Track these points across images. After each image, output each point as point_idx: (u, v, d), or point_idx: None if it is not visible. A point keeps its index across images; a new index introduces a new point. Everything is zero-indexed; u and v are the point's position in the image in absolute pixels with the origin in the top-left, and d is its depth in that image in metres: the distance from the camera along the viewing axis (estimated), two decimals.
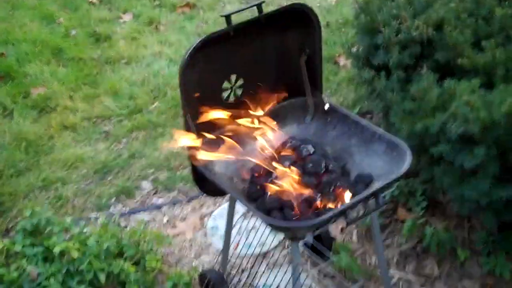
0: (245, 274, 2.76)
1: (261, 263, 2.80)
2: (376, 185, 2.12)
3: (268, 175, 2.23)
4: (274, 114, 2.46)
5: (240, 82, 2.35)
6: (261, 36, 2.33)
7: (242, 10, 2.32)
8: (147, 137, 3.68)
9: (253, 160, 2.26)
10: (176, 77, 4.05)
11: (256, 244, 2.84)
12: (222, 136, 2.26)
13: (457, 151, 2.27)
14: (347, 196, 2.12)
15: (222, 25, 2.20)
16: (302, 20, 2.33)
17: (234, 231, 2.77)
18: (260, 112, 2.33)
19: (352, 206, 2.03)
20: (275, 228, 2.13)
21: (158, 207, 3.19)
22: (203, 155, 2.18)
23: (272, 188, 2.14)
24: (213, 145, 2.31)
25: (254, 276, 2.73)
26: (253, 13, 2.29)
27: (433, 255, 2.75)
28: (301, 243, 2.72)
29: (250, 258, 2.85)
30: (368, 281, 2.69)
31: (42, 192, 3.31)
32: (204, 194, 2.80)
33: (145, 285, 2.63)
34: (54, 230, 2.65)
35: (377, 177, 2.19)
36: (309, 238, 2.74)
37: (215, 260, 2.86)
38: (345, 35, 4.47)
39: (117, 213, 3.03)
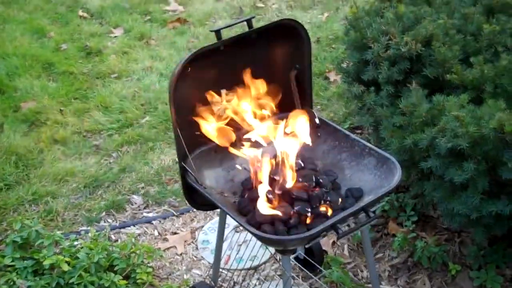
0: (236, 287, 2.75)
1: (252, 276, 2.80)
2: (366, 199, 2.14)
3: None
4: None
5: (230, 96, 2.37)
6: (251, 51, 2.34)
7: (232, 25, 2.34)
8: (137, 151, 3.68)
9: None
10: (167, 91, 4.11)
11: (247, 258, 2.84)
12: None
13: (446, 166, 2.29)
14: (338, 210, 2.13)
15: (213, 40, 2.23)
16: (292, 36, 2.35)
17: (225, 245, 2.78)
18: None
19: (342, 220, 2.04)
20: (266, 242, 2.14)
21: (149, 221, 3.19)
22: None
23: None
24: (206, 155, 2.33)
25: None
26: (244, 28, 2.31)
27: (424, 268, 2.76)
28: (292, 256, 2.72)
29: (241, 271, 2.85)
30: None
31: (32, 205, 3.30)
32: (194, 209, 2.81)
33: None
34: (44, 243, 2.64)
35: (367, 191, 2.21)
36: (300, 252, 2.74)
37: (206, 274, 2.85)
38: (335, 51, 4.51)
39: (108, 227, 3.02)
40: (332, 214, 2.12)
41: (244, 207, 2.21)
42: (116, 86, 4.28)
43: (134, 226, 3.17)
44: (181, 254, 2.99)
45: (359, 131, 3.59)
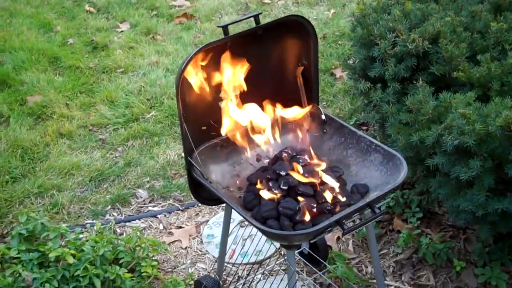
0: (241, 282, 2.76)
1: (257, 271, 2.81)
2: (372, 195, 2.14)
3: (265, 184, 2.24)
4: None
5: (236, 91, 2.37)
6: (258, 47, 2.35)
7: (239, 20, 2.34)
8: (143, 146, 3.69)
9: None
10: (173, 86, 4.13)
11: (252, 252, 2.85)
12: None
13: (452, 163, 2.30)
14: (343, 206, 2.14)
15: (219, 35, 2.22)
16: (299, 32, 2.36)
17: (230, 239, 2.78)
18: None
19: (348, 216, 2.05)
20: (271, 236, 2.15)
21: (154, 215, 3.20)
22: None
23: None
24: (212, 150, 2.34)
25: (250, 284, 2.74)
26: (250, 24, 2.31)
27: (429, 265, 2.77)
28: (297, 251, 2.73)
29: (246, 266, 2.86)
30: None
31: (38, 198, 3.31)
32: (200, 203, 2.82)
33: None
34: (49, 236, 2.66)
35: (373, 187, 2.22)
36: (305, 247, 2.75)
37: (211, 268, 2.87)
38: (341, 47, 4.51)
39: (113, 220, 3.04)
40: (337, 209, 2.13)
41: (249, 202, 2.22)
42: (122, 80, 4.29)
43: (139, 219, 3.18)
44: (186, 248, 3.00)
45: (364, 128, 3.59)
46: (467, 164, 2.24)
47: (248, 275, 2.79)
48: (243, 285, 2.74)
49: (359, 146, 2.34)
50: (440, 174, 2.44)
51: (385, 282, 2.72)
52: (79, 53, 4.66)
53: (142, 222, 3.17)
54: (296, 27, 2.34)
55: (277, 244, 2.85)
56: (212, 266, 2.88)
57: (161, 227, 3.14)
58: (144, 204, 3.30)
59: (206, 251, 2.98)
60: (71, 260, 2.53)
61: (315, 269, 2.69)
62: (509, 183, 2.27)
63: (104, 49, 4.73)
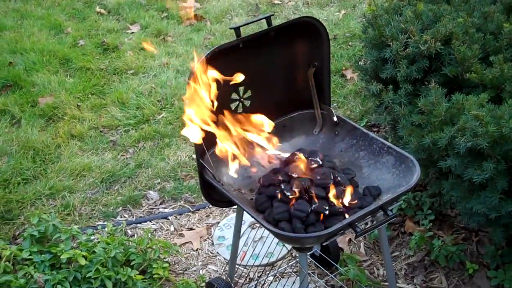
0: (253, 284, 2.76)
1: (268, 273, 2.80)
2: (384, 198, 2.13)
3: (276, 186, 2.24)
4: (282, 126, 2.48)
5: (248, 94, 2.37)
6: (269, 49, 2.35)
7: (251, 22, 2.34)
8: (154, 147, 3.69)
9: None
10: (183, 88, 4.13)
11: (264, 255, 2.85)
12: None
13: (465, 165, 2.28)
14: (356, 208, 2.13)
15: (229, 37, 2.23)
16: (311, 33, 2.35)
17: (241, 241, 2.78)
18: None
19: (360, 218, 2.04)
20: (284, 239, 2.14)
21: (165, 217, 3.20)
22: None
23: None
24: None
25: (262, 286, 2.73)
26: (261, 25, 2.31)
27: (441, 267, 2.75)
28: (308, 254, 2.72)
29: (257, 268, 2.85)
30: None
31: (49, 200, 3.32)
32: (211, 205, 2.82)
33: None
34: (61, 238, 2.67)
35: (386, 190, 2.21)
36: (316, 249, 2.74)
37: (222, 270, 2.86)
38: (352, 48, 4.49)
39: (124, 222, 3.04)
40: (350, 212, 2.12)
41: (261, 204, 2.21)
42: (133, 82, 4.30)
43: (150, 221, 3.19)
44: (197, 250, 3.00)
45: (375, 129, 3.58)
46: (480, 166, 2.23)
47: (259, 277, 2.79)
48: (255, 287, 2.74)
49: (371, 148, 2.33)
50: (453, 176, 2.42)
51: (397, 284, 2.71)
52: (90, 55, 4.67)
53: (153, 224, 3.17)
54: (308, 29, 2.33)
55: (289, 246, 2.85)
56: (223, 268, 2.88)
57: (172, 228, 3.14)
58: (155, 205, 3.30)
59: (217, 253, 2.98)
60: (82, 261, 2.54)
61: (326, 271, 2.69)
62: None
63: (114, 50, 4.74)
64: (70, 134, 3.81)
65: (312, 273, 2.78)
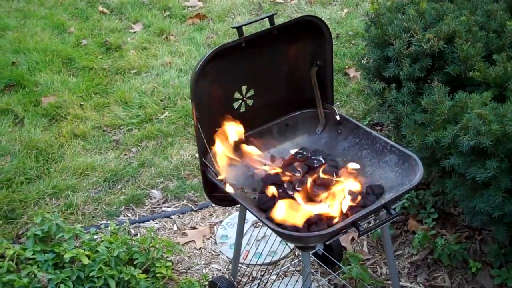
0: (256, 282, 2.76)
1: (271, 272, 2.80)
2: (387, 197, 2.13)
3: (279, 185, 2.24)
4: (285, 125, 2.48)
5: (250, 93, 2.37)
6: (272, 48, 2.35)
7: (254, 21, 2.34)
8: (156, 146, 3.70)
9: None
10: (186, 87, 4.13)
11: (267, 253, 2.85)
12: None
13: (468, 164, 2.28)
14: (358, 207, 2.12)
15: (232, 36, 2.23)
16: (313, 32, 2.35)
17: (244, 240, 2.78)
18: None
19: (363, 217, 2.04)
20: (286, 238, 2.14)
21: (168, 216, 3.21)
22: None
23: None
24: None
25: (265, 285, 2.73)
26: (263, 24, 2.31)
27: (444, 266, 2.75)
28: (311, 252, 2.72)
29: (260, 267, 2.85)
30: None
31: (53, 199, 3.33)
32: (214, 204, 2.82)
33: None
34: (64, 237, 2.67)
35: (388, 188, 2.21)
36: (319, 248, 2.74)
37: (225, 269, 2.87)
38: (355, 47, 4.49)
39: (127, 221, 3.04)
40: (353, 211, 2.12)
41: (264, 203, 2.21)
42: (136, 81, 4.30)
43: (153, 220, 3.19)
44: (200, 249, 3.00)
45: (378, 128, 3.57)
46: (484, 165, 2.22)
47: (262, 276, 2.79)
48: (258, 286, 2.74)
49: (374, 147, 2.33)
50: (456, 175, 2.42)
51: (400, 283, 2.70)
52: (93, 54, 4.68)
53: (156, 223, 3.17)
54: (310, 28, 2.33)
55: (292, 245, 2.85)
56: (226, 267, 2.88)
57: (175, 227, 3.14)
58: (158, 204, 3.30)
59: (220, 251, 2.98)
60: (86, 261, 2.54)
61: (329, 270, 2.69)
62: None
63: (117, 50, 4.74)
64: (73, 134, 3.81)
65: (315, 271, 2.78)
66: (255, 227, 3.06)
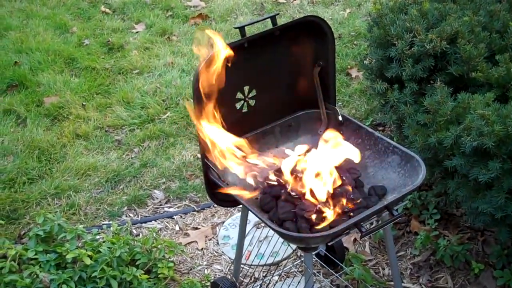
0: (258, 283, 2.76)
1: (273, 272, 2.80)
2: (390, 198, 2.13)
3: (281, 186, 2.23)
4: (287, 125, 2.48)
5: (253, 93, 2.37)
6: (274, 48, 2.34)
7: (256, 22, 2.33)
8: (159, 147, 3.70)
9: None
10: (188, 87, 4.13)
11: (269, 254, 2.84)
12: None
13: (471, 165, 2.27)
14: (361, 208, 2.12)
15: (234, 36, 2.23)
16: (316, 32, 2.34)
17: (246, 241, 2.78)
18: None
19: (366, 218, 2.03)
20: (289, 239, 2.14)
21: (170, 216, 3.20)
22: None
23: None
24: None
25: (267, 286, 2.73)
26: (265, 24, 2.30)
27: (446, 267, 2.74)
28: (313, 253, 2.72)
29: (262, 267, 2.85)
30: None
31: (55, 199, 3.33)
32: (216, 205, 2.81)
33: None
34: (66, 237, 2.67)
35: (391, 189, 2.20)
36: (321, 249, 2.74)
37: (227, 269, 2.86)
38: (357, 47, 4.49)
39: (129, 222, 3.04)
40: (355, 212, 2.11)
41: (266, 203, 2.21)
42: (138, 81, 4.30)
43: (155, 221, 3.19)
44: (202, 249, 3.00)
45: (381, 128, 3.57)
46: (486, 166, 2.22)
47: (265, 276, 2.79)
48: (260, 286, 2.74)
49: (377, 147, 2.32)
50: (459, 176, 2.41)
51: (403, 284, 2.70)
52: (95, 54, 4.68)
53: (158, 223, 3.17)
54: (313, 28, 2.33)
55: (294, 246, 2.85)
56: (228, 267, 2.88)
57: (177, 228, 3.14)
58: (160, 205, 3.30)
59: (222, 252, 2.98)
60: (88, 261, 2.54)
61: (331, 271, 2.68)
62: None
63: (120, 50, 4.74)
64: (75, 134, 3.81)
65: (317, 272, 2.78)
66: (257, 227, 3.06)
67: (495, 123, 2.16)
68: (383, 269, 2.81)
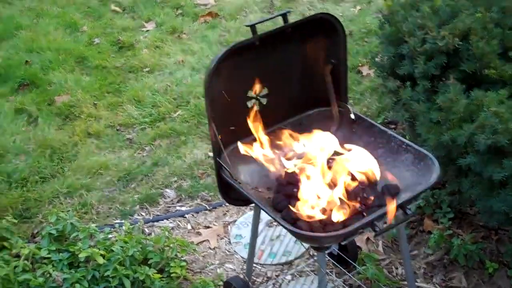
0: (271, 283, 2.75)
1: (286, 272, 2.79)
2: (403, 196, 2.11)
3: (294, 185, 2.23)
4: (299, 124, 2.47)
5: (264, 91, 2.36)
6: (286, 46, 2.33)
7: (267, 19, 2.32)
8: (170, 145, 3.70)
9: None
10: (199, 85, 4.13)
11: (281, 253, 2.84)
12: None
13: (485, 163, 2.26)
14: (374, 207, 2.11)
15: (244, 34, 2.21)
16: (328, 30, 2.33)
17: (258, 240, 2.77)
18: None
19: (379, 217, 2.02)
20: (302, 238, 2.13)
21: (182, 215, 3.20)
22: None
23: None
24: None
25: (280, 286, 2.72)
26: (276, 21, 2.29)
27: (460, 266, 2.72)
28: (326, 252, 2.71)
29: (275, 267, 2.84)
30: None
31: (67, 198, 3.34)
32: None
33: None
34: (79, 236, 2.67)
35: (404, 188, 2.18)
36: (334, 248, 2.73)
37: (240, 268, 2.86)
38: (368, 44, 4.46)
39: (141, 220, 3.05)
40: (368, 211, 2.10)
41: (278, 202, 2.20)
42: (149, 80, 4.31)
43: (167, 219, 3.19)
44: (214, 248, 3.00)
45: (393, 126, 3.55)
46: (500, 164, 2.20)
47: (277, 276, 2.78)
48: (273, 286, 2.73)
49: (390, 145, 2.31)
50: (472, 174, 2.40)
51: (416, 283, 2.68)
52: (106, 53, 4.69)
53: (170, 222, 3.17)
54: (324, 25, 2.31)
55: (306, 245, 2.84)
56: (240, 266, 2.87)
57: (189, 227, 3.14)
58: (172, 203, 3.30)
59: (235, 251, 2.97)
60: (100, 260, 2.54)
61: (344, 270, 2.67)
62: None
63: (130, 48, 4.75)
64: (86, 133, 3.82)
65: (330, 272, 2.77)
66: (270, 226, 3.05)
67: (509, 121, 2.15)
68: (396, 268, 2.80)
